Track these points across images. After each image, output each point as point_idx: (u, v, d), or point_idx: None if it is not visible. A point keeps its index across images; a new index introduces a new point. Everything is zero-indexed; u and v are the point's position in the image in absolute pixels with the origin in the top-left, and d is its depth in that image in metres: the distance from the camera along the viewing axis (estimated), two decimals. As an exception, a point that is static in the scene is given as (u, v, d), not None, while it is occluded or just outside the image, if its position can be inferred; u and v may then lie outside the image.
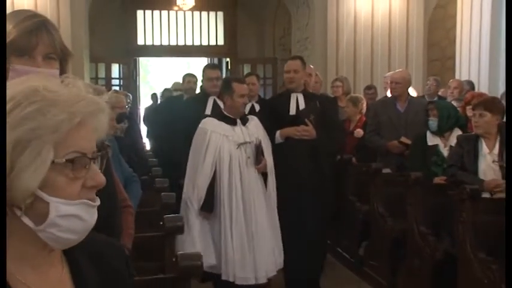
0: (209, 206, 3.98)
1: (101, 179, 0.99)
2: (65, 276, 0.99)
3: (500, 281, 3.39)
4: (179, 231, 2.94)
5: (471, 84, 7.25)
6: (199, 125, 4.12)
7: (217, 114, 4.31)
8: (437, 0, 9.71)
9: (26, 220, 0.93)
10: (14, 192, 0.91)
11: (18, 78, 1.01)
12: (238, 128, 4.11)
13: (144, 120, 9.99)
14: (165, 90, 9.56)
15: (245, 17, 13.24)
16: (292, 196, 4.41)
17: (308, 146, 4.51)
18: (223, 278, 3.95)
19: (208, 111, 5.04)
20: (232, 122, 4.11)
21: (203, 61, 13.74)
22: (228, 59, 13.21)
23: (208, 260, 3.87)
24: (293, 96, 4.66)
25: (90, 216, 0.97)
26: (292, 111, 4.64)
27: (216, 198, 4.00)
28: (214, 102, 5.17)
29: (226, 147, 4.00)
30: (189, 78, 7.13)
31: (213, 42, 13.28)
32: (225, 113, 4.17)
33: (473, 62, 8.02)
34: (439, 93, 7.20)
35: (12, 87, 0.95)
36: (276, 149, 4.38)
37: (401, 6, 9.38)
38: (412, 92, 6.28)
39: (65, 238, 0.95)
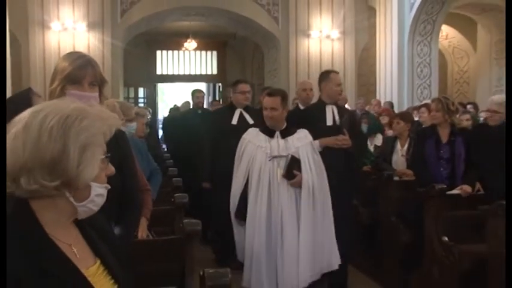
0: (241, 213, 2.87)
1: (113, 169, 1.01)
2: (79, 235, 1.02)
3: (403, 234, 3.57)
4: (185, 206, 2.90)
5: (391, 104, 7.62)
6: (243, 135, 3.03)
7: (261, 125, 3.07)
8: (364, 45, 9.93)
9: (72, 199, 0.94)
10: (79, 181, 0.92)
11: (57, 99, 1.02)
12: (275, 140, 2.89)
13: (163, 127, 9.22)
14: (172, 109, 8.38)
15: (232, 55, 13.31)
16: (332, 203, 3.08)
17: (343, 155, 3.46)
18: (242, 284, 2.83)
19: (234, 121, 4.06)
20: (270, 133, 2.92)
21: (203, 85, 13.63)
22: (220, 84, 13.29)
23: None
24: (329, 108, 3.55)
25: (106, 196, 1.00)
26: (329, 121, 3.53)
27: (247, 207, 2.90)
28: (241, 114, 4.10)
29: (258, 158, 2.86)
30: (198, 93, 5.92)
31: (209, 72, 13.38)
32: (267, 124, 2.97)
33: (387, 87, 8.61)
34: (366, 108, 7.28)
35: (60, 108, 0.94)
36: None
37: (340, 49, 9.58)
38: (348, 107, 6.36)
39: (93, 210, 0.98)
